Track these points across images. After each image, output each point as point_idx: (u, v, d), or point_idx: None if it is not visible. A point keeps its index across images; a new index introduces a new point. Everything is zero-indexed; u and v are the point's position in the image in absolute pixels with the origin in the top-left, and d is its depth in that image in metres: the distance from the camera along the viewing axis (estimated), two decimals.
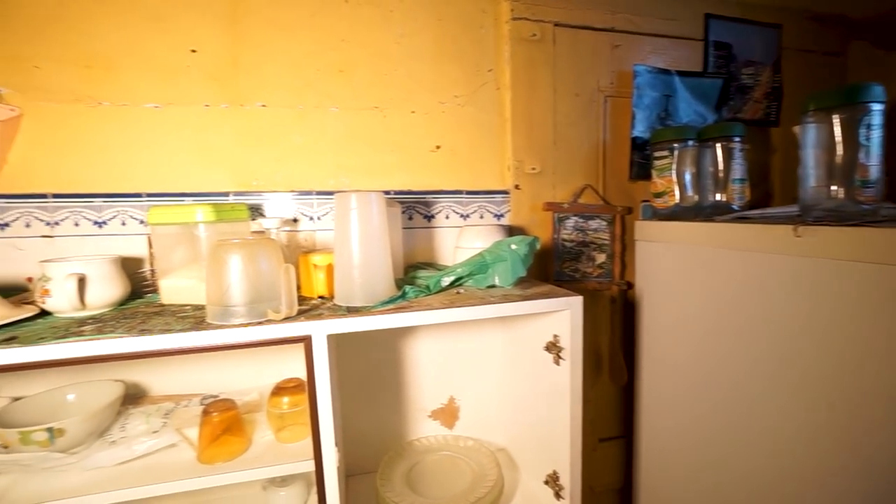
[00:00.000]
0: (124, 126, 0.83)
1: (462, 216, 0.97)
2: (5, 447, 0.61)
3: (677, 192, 0.91)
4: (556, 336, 0.74)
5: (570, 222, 1.02)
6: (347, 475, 0.89)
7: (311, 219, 0.90)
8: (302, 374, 0.63)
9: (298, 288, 0.69)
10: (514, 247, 0.72)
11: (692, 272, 0.82)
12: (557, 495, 0.76)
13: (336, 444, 0.61)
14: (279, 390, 0.71)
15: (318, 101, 0.90)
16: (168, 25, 0.84)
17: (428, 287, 0.73)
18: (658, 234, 0.92)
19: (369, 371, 0.91)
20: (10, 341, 0.54)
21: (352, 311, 0.64)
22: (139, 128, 0.83)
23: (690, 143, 0.90)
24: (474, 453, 0.90)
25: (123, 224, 0.82)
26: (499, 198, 1.00)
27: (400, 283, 0.74)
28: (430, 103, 0.96)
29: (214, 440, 0.66)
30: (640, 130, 1.02)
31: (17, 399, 0.70)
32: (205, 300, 0.62)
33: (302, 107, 0.90)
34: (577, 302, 0.70)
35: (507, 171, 1.00)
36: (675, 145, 0.90)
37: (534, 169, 1.00)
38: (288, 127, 0.89)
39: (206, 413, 0.66)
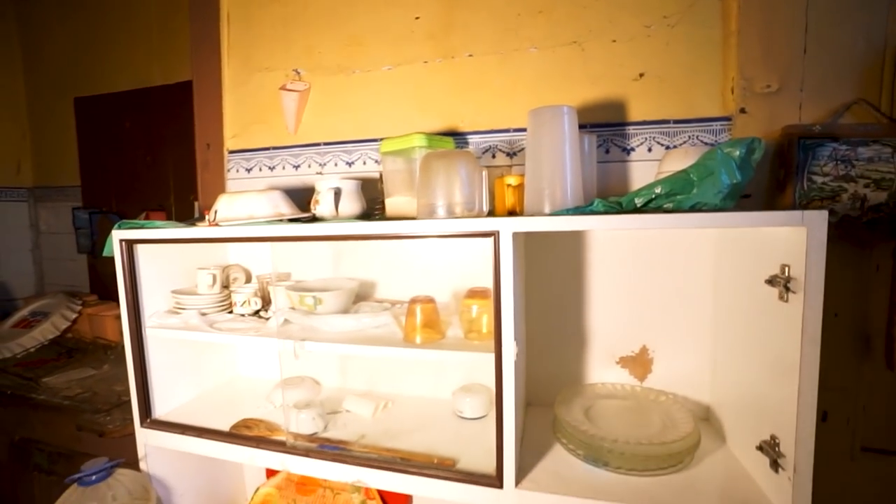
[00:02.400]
0: (367, 87, 1.05)
1: (667, 148, 0.87)
2: (292, 307, 0.87)
3: None
4: (784, 266, 0.59)
5: (825, 151, 0.79)
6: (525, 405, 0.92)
7: (508, 154, 0.96)
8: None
9: (492, 208, 0.76)
10: (725, 150, 0.61)
11: None
12: (775, 463, 0.61)
13: (515, 339, 0.65)
14: (471, 294, 0.79)
15: (518, 44, 0.95)
16: (400, 2, 1.02)
17: (620, 203, 0.69)
18: None
19: (553, 304, 0.90)
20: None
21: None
22: (377, 87, 1.05)
23: None
24: (665, 405, 0.80)
25: (364, 163, 1.05)
26: (717, 125, 0.85)
27: None
28: (634, 28, 0.89)
29: (416, 328, 0.79)
30: None
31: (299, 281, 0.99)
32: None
33: (503, 52, 0.96)
34: (817, 218, 0.55)
35: (730, 93, 0.84)
36: None
37: (769, 87, 0.82)
38: (490, 72, 0.97)
39: (412, 302, 0.79)
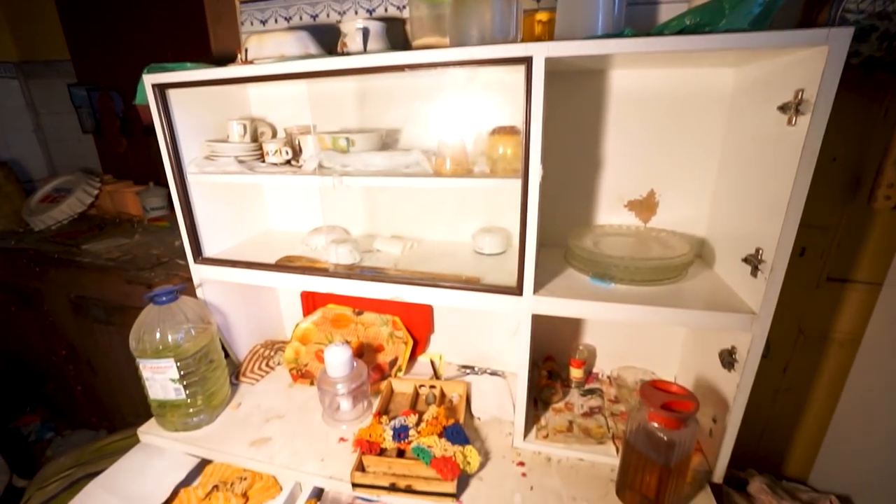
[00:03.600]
0: None
1: None
2: (323, 148, 0.92)
3: None
4: (798, 91, 0.64)
5: None
6: None
7: None
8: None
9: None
10: None
11: None
12: (755, 270, 0.72)
13: (540, 163, 0.71)
14: (497, 131, 0.85)
15: None
16: None
17: (648, 34, 0.71)
18: None
19: (569, 151, 0.96)
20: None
21: None
22: None
23: None
24: (665, 238, 0.91)
25: (386, 10, 1.02)
26: None
27: None
28: None
29: (444, 163, 0.85)
30: None
31: None
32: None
33: None
34: (841, 36, 0.58)
35: None
36: None
37: None
38: None
39: (439, 144, 0.85)
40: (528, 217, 0.74)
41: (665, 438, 0.71)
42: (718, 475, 0.84)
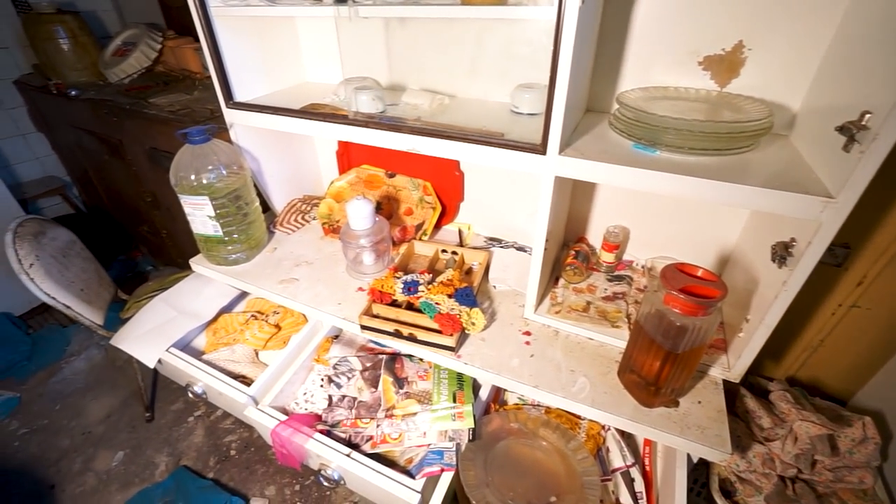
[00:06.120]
0: None
1: None
2: None
3: None
4: None
5: None
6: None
7: None
8: None
9: None
10: None
11: None
12: (850, 142, 0.56)
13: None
14: None
15: None
16: None
17: None
18: None
19: None
20: None
21: None
22: None
23: None
24: (741, 105, 0.73)
25: None
26: None
27: None
28: None
29: None
30: None
31: None
32: None
33: None
34: None
35: None
36: None
37: None
38: None
39: None
40: (559, 56, 0.61)
41: (677, 323, 0.65)
42: (735, 374, 0.78)
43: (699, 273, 0.67)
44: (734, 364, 0.78)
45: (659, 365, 0.70)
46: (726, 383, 0.79)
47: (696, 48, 0.78)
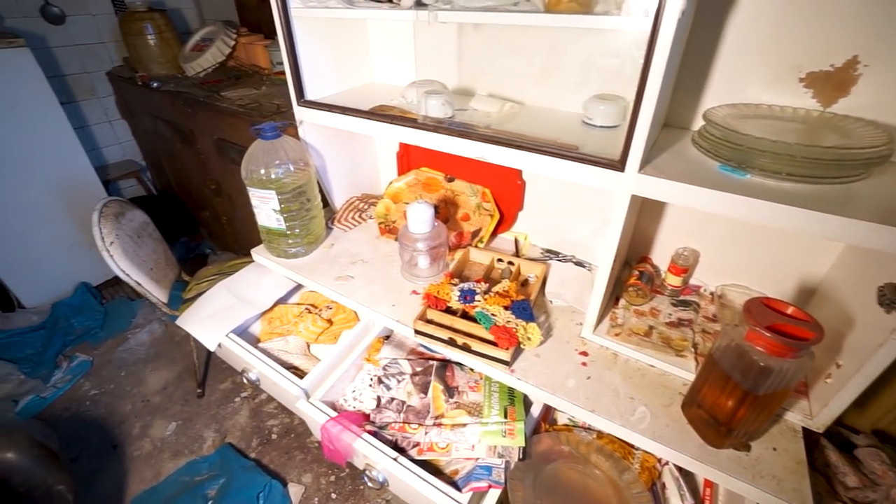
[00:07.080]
0: None
1: None
2: None
3: None
4: None
5: None
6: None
7: None
8: None
9: None
10: None
11: None
12: None
13: None
14: None
15: None
16: None
17: None
18: None
19: None
20: None
21: None
22: None
23: None
24: (849, 127, 0.66)
25: None
26: None
27: None
28: None
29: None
30: None
31: None
32: None
33: None
34: None
35: None
36: None
37: None
38: None
39: None
40: (651, 66, 0.58)
41: (760, 363, 0.59)
42: (819, 424, 0.71)
43: (789, 311, 0.61)
44: (818, 412, 0.71)
45: (733, 404, 0.65)
46: (805, 431, 0.72)
47: (799, 63, 0.72)
